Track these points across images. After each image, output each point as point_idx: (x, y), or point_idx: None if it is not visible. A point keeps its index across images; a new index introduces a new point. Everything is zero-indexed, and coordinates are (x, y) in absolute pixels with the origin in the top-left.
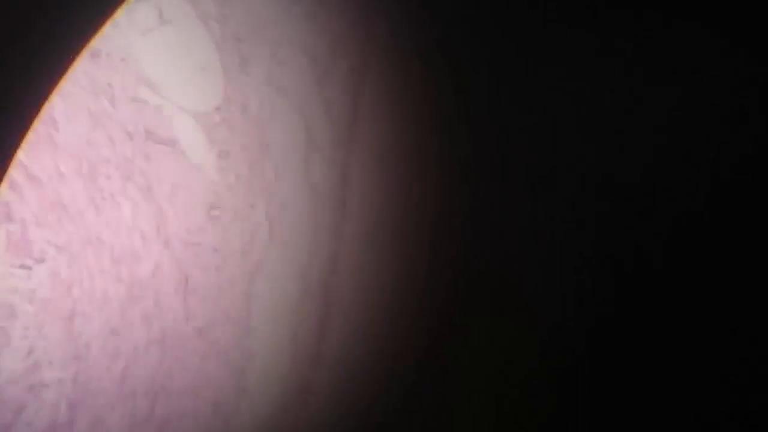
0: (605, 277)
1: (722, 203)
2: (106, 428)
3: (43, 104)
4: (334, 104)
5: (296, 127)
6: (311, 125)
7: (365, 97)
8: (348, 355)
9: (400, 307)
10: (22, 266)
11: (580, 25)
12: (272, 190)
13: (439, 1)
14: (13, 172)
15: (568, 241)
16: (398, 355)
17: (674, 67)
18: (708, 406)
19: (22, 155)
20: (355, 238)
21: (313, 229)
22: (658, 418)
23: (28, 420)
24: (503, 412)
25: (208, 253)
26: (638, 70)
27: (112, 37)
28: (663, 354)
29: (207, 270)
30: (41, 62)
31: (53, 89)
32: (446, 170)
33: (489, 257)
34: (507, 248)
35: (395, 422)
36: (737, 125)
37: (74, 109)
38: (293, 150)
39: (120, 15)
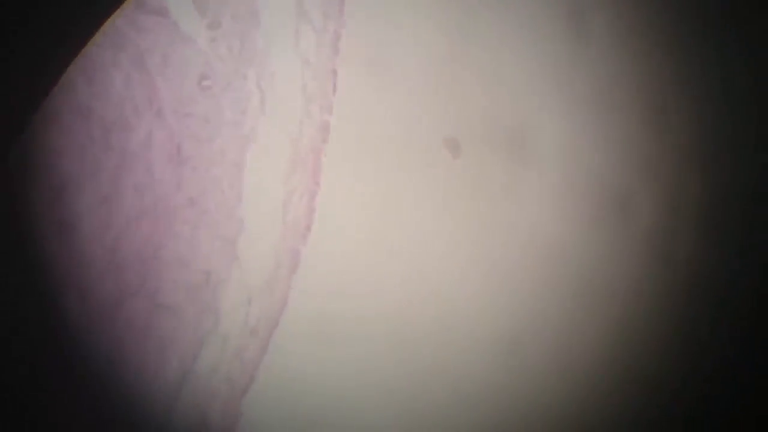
0: None
1: None
2: (96, 299)
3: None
4: None
5: None
6: None
7: None
8: (340, 228)
9: (392, 175)
10: None
11: None
12: (263, 60)
13: None
14: None
15: None
16: (391, 225)
17: None
18: None
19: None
20: (346, 108)
21: (304, 99)
22: None
23: None
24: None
25: (199, 123)
26: None
27: None
28: None
29: (199, 140)
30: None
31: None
32: (441, 37)
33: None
34: None
35: (394, 294)
36: None
37: None
38: (283, 20)
39: None
